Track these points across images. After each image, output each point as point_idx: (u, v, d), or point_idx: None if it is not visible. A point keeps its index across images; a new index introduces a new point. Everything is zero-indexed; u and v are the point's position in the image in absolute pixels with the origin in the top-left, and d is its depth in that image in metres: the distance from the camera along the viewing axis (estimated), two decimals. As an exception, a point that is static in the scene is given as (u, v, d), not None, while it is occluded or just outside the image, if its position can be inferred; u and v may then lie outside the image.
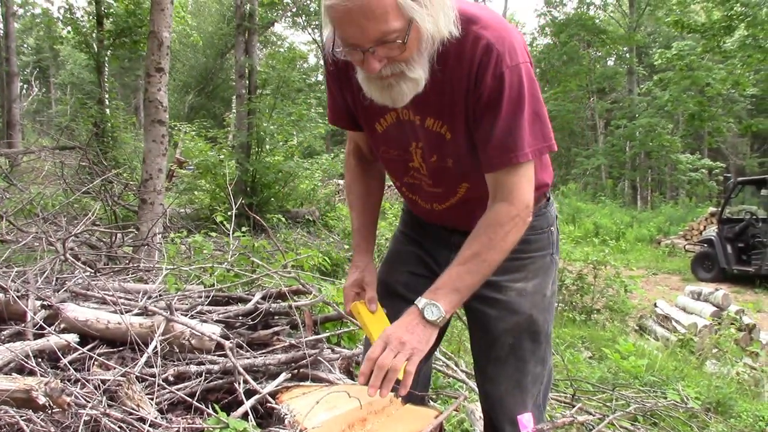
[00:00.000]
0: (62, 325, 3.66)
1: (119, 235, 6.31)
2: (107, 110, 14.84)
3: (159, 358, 3.50)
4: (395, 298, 2.21)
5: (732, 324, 8.03)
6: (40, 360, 3.41)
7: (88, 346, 3.65)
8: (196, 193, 12.97)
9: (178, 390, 3.42)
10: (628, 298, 9.17)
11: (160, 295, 4.31)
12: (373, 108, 1.88)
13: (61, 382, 2.80)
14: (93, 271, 4.82)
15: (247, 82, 13.29)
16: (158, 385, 3.32)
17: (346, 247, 9.94)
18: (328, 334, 4.29)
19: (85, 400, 3.09)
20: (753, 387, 6.32)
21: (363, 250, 2.23)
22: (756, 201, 15.82)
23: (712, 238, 14.96)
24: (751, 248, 14.19)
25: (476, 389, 3.73)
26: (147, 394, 3.36)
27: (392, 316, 2.15)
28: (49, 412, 2.66)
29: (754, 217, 14.38)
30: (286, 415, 1.53)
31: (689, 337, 7.84)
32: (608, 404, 4.73)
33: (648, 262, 16.97)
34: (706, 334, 7.90)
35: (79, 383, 3.30)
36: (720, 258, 14.49)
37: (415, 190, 2.13)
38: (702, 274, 14.89)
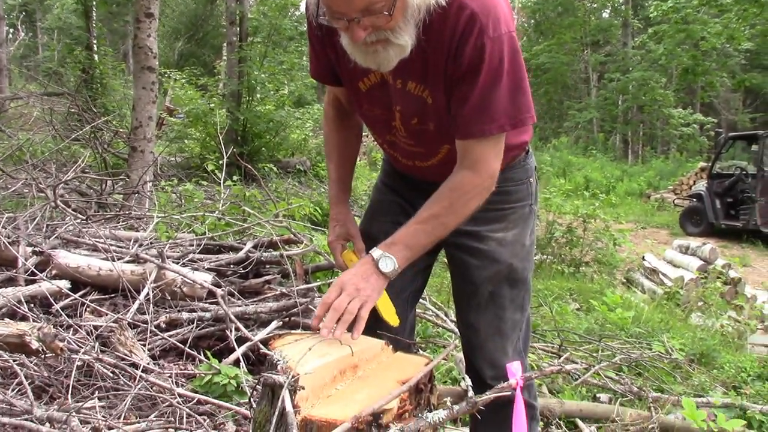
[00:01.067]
0: (54, 272, 3.67)
1: (109, 183, 6.29)
2: (96, 56, 14.62)
3: (151, 305, 3.53)
4: None
5: (718, 278, 8.12)
6: (32, 306, 3.43)
7: (80, 293, 3.67)
8: (186, 141, 12.88)
9: (170, 337, 3.46)
10: (616, 252, 9.25)
11: (151, 243, 4.32)
12: (357, 68, 1.87)
13: (53, 327, 2.82)
14: (84, 218, 4.82)
15: (238, 29, 13.09)
16: (150, 332, 3.35)
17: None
18: (319, 283, 4.32)
19: (78, 345, 3.12)
20: (736, 339, 6.44)
21: (341, 200, 2.26)
22: (746, 156, 15.86)
23: (702, 192, 15.03)
24: (739, 203, 14.28)
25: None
26: (139, 341, 3.40)
27: None
28: (42, 357, 2.68)
29: (744, 172, 14.43)
30: (279, 361, 1.54)
31: (675, 290, 7.93)
32: (594, 355, 4.81)
33: (637, 216, 17.07)
34: (692, 287, 7.99)
35: (72, 329, 3.33)
36: (708, 212, 14.59)
37: (396, 147, 2.15)
38: (690, 228, 15.00)
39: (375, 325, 2.23)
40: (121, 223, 5.20)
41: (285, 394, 1.46)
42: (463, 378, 3.45)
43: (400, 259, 1.85)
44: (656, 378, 4.79)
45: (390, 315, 2.06)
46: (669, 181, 21.73)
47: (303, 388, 1.50)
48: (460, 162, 1.89)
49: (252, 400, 2.92)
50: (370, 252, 1.87)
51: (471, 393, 1.66)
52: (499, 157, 1.91)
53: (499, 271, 2.12)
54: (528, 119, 1.88)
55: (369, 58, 1.75)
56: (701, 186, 15.64)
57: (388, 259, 1.84)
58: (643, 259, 9.14)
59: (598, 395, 4.27)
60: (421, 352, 2.06)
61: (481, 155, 1.86)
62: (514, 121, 1.86)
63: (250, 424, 1.64)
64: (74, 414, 2.68)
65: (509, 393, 1.65)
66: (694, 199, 15.40)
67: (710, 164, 15.73)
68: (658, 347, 5.38)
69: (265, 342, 3.49)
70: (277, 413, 1.47)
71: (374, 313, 2.10)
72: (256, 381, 2.63)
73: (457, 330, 4.23)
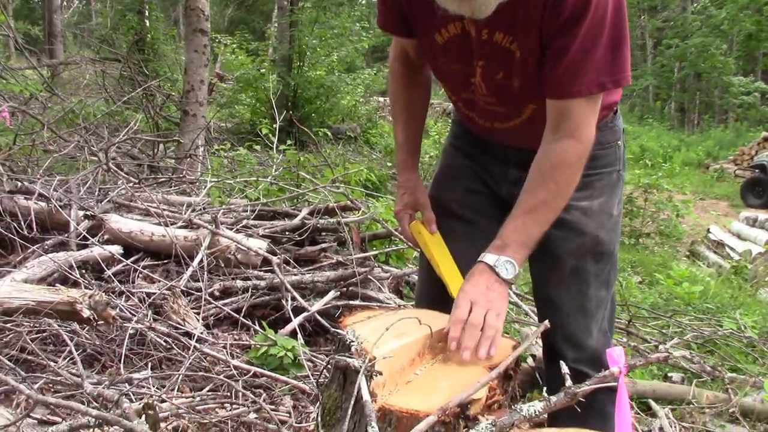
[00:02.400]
0: (106, 236, 3.56)
1: (161, 147, 6.19)
2: (147, 22, 14.58)
3: (205, 272, 3.40)
4: (449, 217, 2.03)
5: (788, 252, 7.74)
6: (83, 271, 3.33)
7: (132, 258, 3.56)
8: (236, 107, 12.79)
9: (224, 305, 3.33)
10: (679, 223, 8.88)
11: (204, 209, 4.19)
12: (434, 17, 1.64)
13: (105, 294, 2.70)
14: (136, 182, 4.72)
15: (289, -7, 12.89)
16: (204, 300, 3.22)
17: (389, 164, 9.75)
18: (376, 252, 4.15)
19: (131, 313, 3.01)
20: (810, 317, 6.09)
21: (409, 167, 2.05)
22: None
23: (765, 163, 14.44)
24: (805, 174, 13.69)
25: (533, 313, 3.59)
26: (192, 309, 3.28)
27: (446, 236, 1.98)
28: (94, 325, 2.57)
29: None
30: (353, 342, 1.37)
31: (743, 264, 7.58)
32: (664, 331, 4.56)
33: (695, 187, 16.49)
34: (760, 261, 7.63)
35: (124, 296, 3.22)
36: (772, 183, 14.03)
37: (473, 107, 1.92)
38: (752, 200, 14.43)
39: (445, 302, 2.06)
40: (173, 188, 5.10)
41: (361, 380, 1.28)
42: (532, 356, 3.26)
43: (518, 260, 1.64)
44: (729, 357, 4.52)
45: (455, 285, 1.87)
46: (729, 151, 20.99)
47: (380, 374, 1.32)
48: (557, 128, 1.66)
49: (313, 376, 2.77)
50: (481, 259, 1.66)
51: (569, 382, 1.46)
52: (596, 121, 1.69)
53: (583, 243, 1.90)
54: (627, 78, 1.66)
55: (463, 4, 1.51)
56: (764, 156, 15.03)
57: (508, 264, 1.63)
58: (708, 231, 8.76)
59: (669, 374, 4.03)
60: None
61: (582, 118, 1.63)
62: (614, 78, 1.63)
63: (318, 409, 1.47)
64: (127, 388, 2.57)
65: (611, 383, 1.45)
66: (757, 170, 14.80)
67: (775, 134, 15.09)
68: (729, 324, 5.09)
69: (336, 319, 3.34)
70: (352, 401, 1.29)
71: (441, 297, 1.91)
72: (326, 360, 2.48)
73: (520, 303, 4.04)
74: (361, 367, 1.30)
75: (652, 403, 3.49)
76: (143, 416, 1.84)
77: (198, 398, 2.58)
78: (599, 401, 1.96)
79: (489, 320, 1.53)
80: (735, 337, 4.79)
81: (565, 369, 1.44)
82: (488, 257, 1.63)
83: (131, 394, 2.57)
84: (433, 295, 2.01)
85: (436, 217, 2.00)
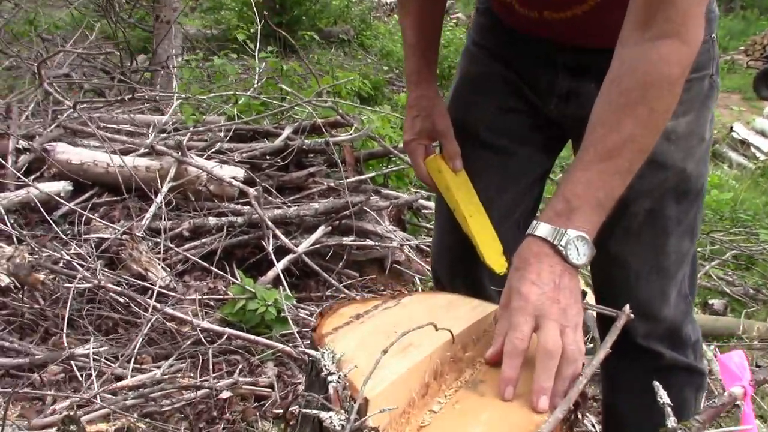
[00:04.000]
0: (52, 170, 3.01)
1: (129, 59, 5.54)
2: None
3: (164, 210, 2.88)
4: (476, 147, 1.46)
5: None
6: (25, 214, 2.81)
7: (85, 195, 3.03)
8: (222, 12, 11.94)
9: (195, 248, 2.83)
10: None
11: (176, 129, 3.62)
12: None
13: (33, 252, 2.18)
14: (92, 100, 4.12)
15: None
16: (163, 245, 2.71)
17: (385, 68, 9.07)
18: (373, 174, 3.60)
19: (80, 265, 2.50)
20: None
21: (424, 78, 1.46)
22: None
23: (781, 53, 13.68)
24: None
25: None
26: (157, 254, 2.77)
27: (474, 175, 1.43)
28: (21, 294, 2.06)
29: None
30: (330, 376, 0.84)
31: (771, 164, 7.05)
32: (699, 250, 4.05)
33: (706, 80, 15.76)
34: (789, 160, 7.09)
35: (75, 243, 2.71)
36: (788, 75, 13.29)
37: None
38: (765, 92, 13.67)
39: (470, 275, 1.51)
40: (140, 108, 4.48)
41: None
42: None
43: (592, 232, 1.05)
44: (768, 272, 4.06)
45: (494, 255, 1.34)
46: (739, 41, 20.06)
47: None
48: (650, 21, 1.04)
49: (301, 340, 2.27)
50: (535, 232, 1.06)
51: (665, 398, 0.95)
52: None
53: (664, 180, 1.34)
54: None
55: None
56: (780, 46, 14.25)
57: (579, 241, 1.03)
58: (731, 129, 8.15)
59: (710, 301, 3.56)
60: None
61: (690, 10, 1.05)
62: None
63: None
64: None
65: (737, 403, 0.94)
66: (772, 61, 14.05)
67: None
68: (767, 236, 4.59)
69: (314, 254, 2.82)
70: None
71: (468, 255, 1.38)
72: (295, 394, 1.99)
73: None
74: (341, 430, 0.78)
75: (698, 342, 3.02)
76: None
77: (159, 371, 2.10)
78: (675, 386, 1.47)
79: (568, 346, 0.96)
80: (774, 251, 4.32)
81: (665, 398, 0.91)
82: (546, 229, 1.04)
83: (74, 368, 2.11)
84: (457, 254, 1.49)
85: (461, 144, 1.44)
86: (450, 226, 1.46)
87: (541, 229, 1.04)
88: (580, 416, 1.04)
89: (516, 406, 0.93)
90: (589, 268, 1.48)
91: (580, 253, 1.02)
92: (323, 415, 0.80)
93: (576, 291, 1.01)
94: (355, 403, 0.81)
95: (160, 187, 2.98)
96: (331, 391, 0.85)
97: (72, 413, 1.47)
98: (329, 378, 0.87)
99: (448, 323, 1.04)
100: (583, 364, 1.00)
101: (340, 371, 0.88)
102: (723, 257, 4.00)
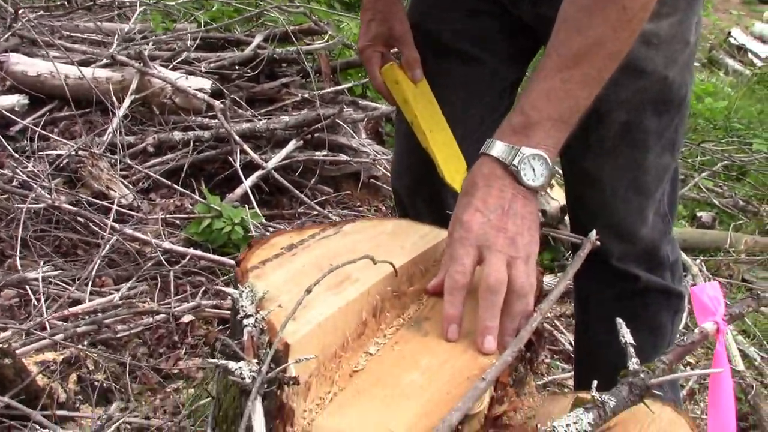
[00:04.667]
0: (6, 83, 2.85)
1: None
2: None
3: (119, 125, 2.73)
4: (438, 54, 1.31)
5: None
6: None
7: (43, 110, 2.87)
8: None
9: (160, 165, 2.70)
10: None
11: (145, 38, 3.43)
12: None
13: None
14: (52, 5, 3.90)
15: None
16: (132, 157, 2.59)
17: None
18: (350, 84, 3.43)
19: (34, 183, 2.38)
20: None
21: None
22: None
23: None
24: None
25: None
26: (121, 171, 2.65)
27: (437, 86, 1.29)
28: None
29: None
30: (247, 318, 0.74)
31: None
32: (689, 161, 3.94)
33: (706, -16, 15.30)
34: (786, 66, 6.88)
35: (32, 161, 2.58)
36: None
37: None
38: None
39: (433, 196, 1.38)
40: (115, 13, 4.25)
41: (255, 409, 0.67)
42: (541, 211, 2.64)
43: (552, 150, 0.93)
44: (762, 185, 3.96)
45: (456, 174, 1.21)
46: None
47: (297, 383, 0.71)
48: None
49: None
50: (487, 150, 0.94)
51: (627, 338, 0.85)
52: None
53: (644, 88, 1.20)
54: None
55: None
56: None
57: (536, 159, 0.90)
58: (729, 35, 7.88)
59: (698, 213, 3.47)
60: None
61: None
62: None
63: (213, 407, 0.88)
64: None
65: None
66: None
67: None
68: (760, 146, 4.47)
69: (286, 169, 2.70)
70: (243, 427, 0.68)
71: (430, 175, 1.25)
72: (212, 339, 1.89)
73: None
74: (254, 385, 0.68)
75: (683, 256, 2.94)
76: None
77: (118, 294, 2.00)
78: (651, 309, 1.42)
79: (517, 279, 0.85)
80: (766, 162, 4.20)
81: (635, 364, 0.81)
82: (500, 148, 0.92)
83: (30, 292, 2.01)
84: (418, 173, 1.36)
85: (421, 55, 1.29)
86: (409, 143, 1.33)
87: (495, 147, 0.91)
88: (537, 355, 0.95)
89: (461, 349, 0.83)
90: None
91: (537, 173, 0.90)
92: (232, 365, 0.70)
93: (530, 218, 0.89)
94: (270, 349, 0.71)
95: (122, 100, 2.83)
96: (245, 336, 0.74)
97: (6, 345, 1.38)
98: (245, 321, 0.76)
99: (392, 253, 0.93)
100: (541, 298, 0.90)
101: (258, 313, 0.77)
102: (713, 168, 3.88)
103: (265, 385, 0.69)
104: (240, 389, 0.71)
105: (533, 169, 0.89)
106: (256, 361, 0.71)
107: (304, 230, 0.97)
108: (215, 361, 0.71)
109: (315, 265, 0.89)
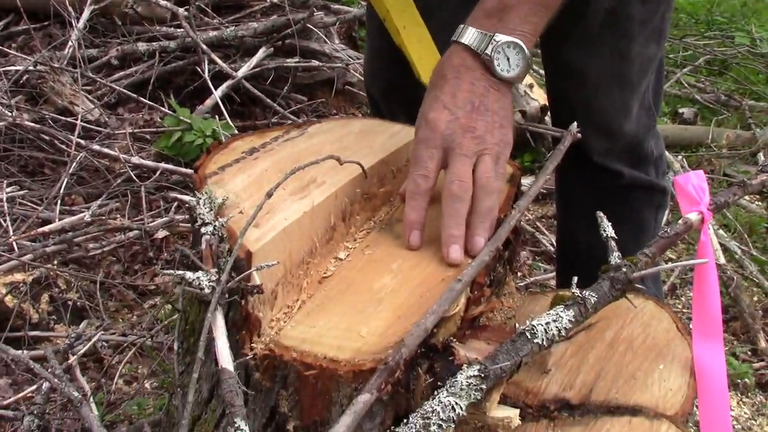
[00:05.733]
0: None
1: None
2: None
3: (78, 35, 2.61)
4: None
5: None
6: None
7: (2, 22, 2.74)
8: None
9: (126, 77, 2.60)
10: None
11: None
12: None
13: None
14: None
15: None
16: (81, 75, 2.48)
17: None
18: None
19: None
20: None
21: None
22: None
23: None
24: None
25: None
26: (84, 86, 2.55)
27: None
28: None
29: None
30: (205, 226, 0.69)
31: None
32: (670, 56, 3.86)
33: None
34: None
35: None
36: None
37: None
38: None
39: (408, 95, 1.33)
40: None
41: (215, 320, 0.63)
42: (521, 112, 2.57)
43: (529, 38, 0.85)
44: (744, 80, 3.89)
45: (425, 61, 1.14)
46: None
47: (260, 291, 0.67)
48: None
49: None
50: (458, 38, 0.86)
51: (608, 231, 0.82)
52: None
53: (626, -30, 1.14)
54: None
55: None
56: None
57: (509, 47, 0.83)
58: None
59: (679, 109, 3.42)
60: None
61: None
62: None
63: (179, 320, 0.85)
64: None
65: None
66: None
67: None
68: (742, 39, 4.38)
69: (256, 78, 2.60)
70: (201, 348, 0.65)
71: (404, 74, 1.18)
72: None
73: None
74: (212, 294, 0.64)
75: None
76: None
77: (88, 213, 1.94)
78: (634, 205, 1.39)
79: (482, 180, 0.80)
80: (749, 55, 4.13)
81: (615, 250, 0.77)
82: (470, 34, 0.84)
83: None
84: (391, 73, 1.30)
85: None
86: (382, 41, 1.25)
87: (466, 34, 0.84)
88: (516, 254, 0.91)
89: (434, 250, 0.79)
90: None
91: (511, 63, 0.83)
92: (189, 275, 0.65)
93: (502, 113, 0.83)
94: (230, 257, 0.66)
95: (81, 11, 2.69)
96: (203, 245, 0.69)
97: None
98: (203, 229, 0.71)
99: (361, 154, 0.88)
100: (519, 195, 0.86)
101: (218, 220, 0.72)
102: (695, 63, 3.80)
103: (226, 295, 0.65)
104: (200, 300, 0.67)
105: (507, 59, 0.83)
106: (215, 270, 0.67)
107: (267, 133, 0.92)
108: (170, 272, 0.66)
109: (278, 169, 0.83)
